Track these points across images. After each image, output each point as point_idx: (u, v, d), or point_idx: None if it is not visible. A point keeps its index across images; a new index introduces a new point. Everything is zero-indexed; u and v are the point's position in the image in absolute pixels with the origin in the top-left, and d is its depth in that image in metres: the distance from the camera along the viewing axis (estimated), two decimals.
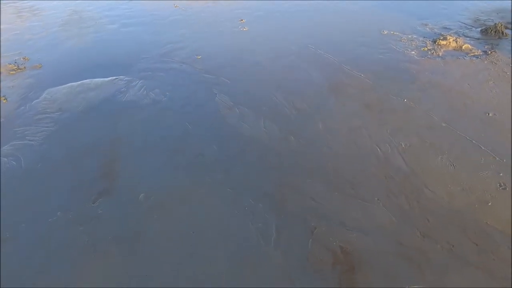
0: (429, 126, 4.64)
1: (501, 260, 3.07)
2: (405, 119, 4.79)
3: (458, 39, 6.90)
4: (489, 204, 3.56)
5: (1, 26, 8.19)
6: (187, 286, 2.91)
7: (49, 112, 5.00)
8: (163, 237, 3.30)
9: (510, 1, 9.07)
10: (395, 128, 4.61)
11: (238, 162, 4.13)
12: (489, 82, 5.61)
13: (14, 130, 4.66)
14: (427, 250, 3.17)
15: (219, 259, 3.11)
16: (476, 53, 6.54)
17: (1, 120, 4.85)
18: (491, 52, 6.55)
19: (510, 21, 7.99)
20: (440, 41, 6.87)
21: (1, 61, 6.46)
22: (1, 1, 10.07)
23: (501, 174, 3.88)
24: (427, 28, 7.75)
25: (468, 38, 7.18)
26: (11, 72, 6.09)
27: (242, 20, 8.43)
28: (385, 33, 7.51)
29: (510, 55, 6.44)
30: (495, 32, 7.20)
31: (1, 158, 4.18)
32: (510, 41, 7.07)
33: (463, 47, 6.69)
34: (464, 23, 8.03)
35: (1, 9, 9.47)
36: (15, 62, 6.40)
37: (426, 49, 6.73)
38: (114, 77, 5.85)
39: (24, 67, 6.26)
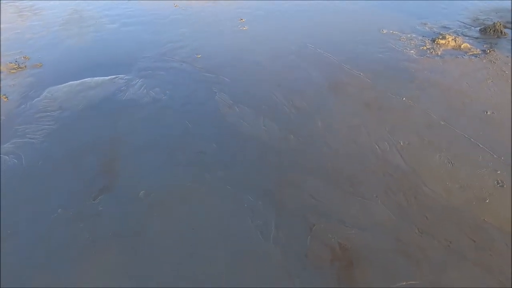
0: (428, 124, 4.67)
1: (498, 256, 3.10)
2: (404, 117, 4.82)
3: (457, 38, 6.92)
4: (487, 201, 3.59)
5: (2, 25, 8.21)
6: (187, 286, 2.94)
7: (50, 111, 5.02)
8: (163, 234, 3.32)
9: (510, 1, 9.09)
10: (394, 126, 4.63)
11: (238, 160, 4.15)
12: (487, 81, 5.63)
13: (15, 128, 4.68)
14: (425, 246, 3.19)
15: (219, 256, 3.13)
16: (475, 52, 6.56)
17: (2, 118, 4.87)
18: (489, 51, 6.57)
19: (509, 20, 8.01)
20: (439, 40, 6.89)
21: (2, 60, 6.49)
22: (2, 1, 10.09)
23: (499, 172, 3.91)
24: (426, 28, 7.77)
25: (467, 37, 7.20)
26: (12, 71, 6.12)
27: (242, 19, 8.46)
28: (384, 32, 7.54)
29: (508, 54, 6.47)
30: (494, 31, 7.23)
31: (2, 156, 4.21)
32: (509, 40, 7.10)
33: (462, 46, 6.72)
34: (463, 23, 8.06)
35: (2, 9, 9.49)
36: (16, 61, 6.43)
37: (425, 48, 6.76)
38: (114, 76, 5.88)
39: (25, 66, 6.28)
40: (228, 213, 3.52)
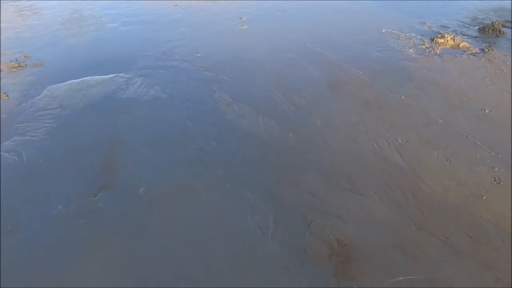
0: (426, 122, 4.70)
1: (494, 252, 3.13)
2: (402, 115, 4.85)
3: (455, 37, 6.95)
4: (484, 198, 3.62)
5: (2, 25, 8.24)
6: (186, 280, 2.96)
7: (50, 109, 5.05)
8: (162, 231, 3.35)
9: (509, 0, 9.12)
10: (392, 124, 4.66)
11: (237, 158, 4.18)
12: (486, 80, 5.67)
13: (16, 126, 4.71)
14: (422, 242, 3.22)
15: (218, 251, 3.16)
16: (473, 51, 6.59)
17: (3, 116, 4.90)
18: (488, 50, 6.60)
19: (507, 19, 8.04)
20: (437, 39, 6.92)
21: (2, 59, 6.52)
22: (2, 0, 10.12)
23: (496, 169, 3.94)
24: (425, 27, 7.80)
25: (465, 36, 7.23)
26: (12, 70, 6.15)
27: (241, 18, 8.49)
28: (384, 31, 7.57)
29: (507, 53, 6.50)
30: (493, 30, 7.26)
31: (2, 153, 4.24)
32: (507, 39, 7.13)
33: (461, 45, 6.75)
34: (462, 22, 8.09)
35: (2, 8, 9.52)
36: (16, 60, 6.46)
37: (424, 47, 6.79)
38: (114, 75, 5.91)
39: (25, 65, 6.31)
40: (227, 209, 3.55)
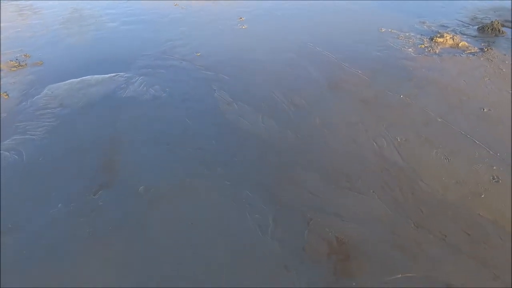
0: (425, 121, 4.71)
1: (492, 249, 3.15)
2: (401, 114, 4.86)
3: (455, 36, 6.97)
4: (482, 196, 3.64)
5: (2, 24, 8.25)
6: (185, 278, 2.98)
7: (50, 108, 5.06)
8: (162, 229, 3.36)
9: (509, 0, 9.14)
10: (391, 123, 4.68)
11: (237, 156, 4.19)
12: (485, 79, 5.68)
13: (16, 125, 4.72)
14: (421, 240, 3.23)
15: (217, 250, 3.17)
16: (472, 51, 6.61)
17: (3, 115, 4.92)
18: (487, 50, 6.62)
19: (507, 19, 8.06)
20: (437, 38, 6.94)
21: (3, 58, 6.53)
22: (2, 0, 10.13)
23: (495, 167, 3.96)
24: (425, 26, 7.82)
25: (465, 36, 7.25)
26: (13, 69, 6.16)
27: (241, 18, 8.50)
28: (383, 31, 7.58)
29: (506, 52, 6.51)
30: (492, 30, 7.28)
31: (3, 152, 4.25)
32: (507, 39, 7.15)
33: (460, 44, 6.76)
34: (462, 21, 8.11)
35: (2, 8, 9.53)
36: (17, 59, 6.47)
37: (423, 46, 6.80)
38: (114, 74, 5.92)
39: (25, 64, 6.33)
40: (226, 208, 3.56)
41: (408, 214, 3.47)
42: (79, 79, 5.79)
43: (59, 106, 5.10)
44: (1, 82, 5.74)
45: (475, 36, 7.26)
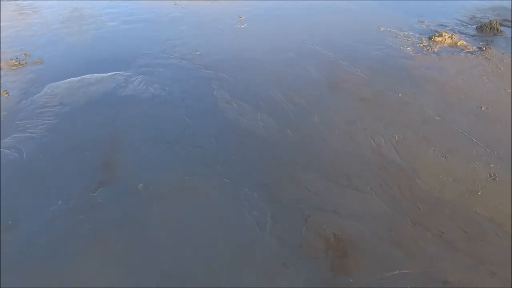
0: (423, 119, 4.74)
1: (489, 246, 3.17)
2: (399, 113, 4.89)
3: (453, 35, 6.99)
4: (479, 193, 3.66)
5: (2, 23, 8.27)
6: (183, 275, 3.00)
7: (50, 106, 5.09)
8: (161, 226, 3.38)
9: (509, 0, 9.16)
10: (389, 121, 4.70)
11: (236, 154, 4.21)
12: (483, 78, 5.70)
13: (16, 123, 4.75)
14: (418, 237, 3.26)
15: (215, 246, 3.20)
16: (471, 50, 6.63)
17: (3, 113, 4.94)
18: (485, 49, 6.64)
19: (506, 18, 8.08)
20: (435, 37, 6.96)
21: (3, 57, 6.56)
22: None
23: (492, 165, 3.98)
24: (424, 25, 7.85)
25: (463, 35, 7.27)
26: (13, 68, 6.19)
27: (240, 17, 8.52)
28: (382, 30, 7.61)
29: (504, 51, 6.53)
30: (490, 29, 7.30)
31: (3, 150, 4.27)
32: (505, 38, 7.17)
33: (458, 43, 6.79)
34: (460, 21, 8.13)
35: (2, 7, 9.56)
36: (17, 58, 6.50)
37: (421, 45, 6.83)
38: (114, 73, 5.95)
39: (26, 63, 6.35)
40: (225, 205, 3.59)
41: (405, 212, 3.49)
42: (79, 77, 5.81)
43: (59, 105, 5.13)
44: (2, 81, 5.76)
45: (473, 35, 7.28)
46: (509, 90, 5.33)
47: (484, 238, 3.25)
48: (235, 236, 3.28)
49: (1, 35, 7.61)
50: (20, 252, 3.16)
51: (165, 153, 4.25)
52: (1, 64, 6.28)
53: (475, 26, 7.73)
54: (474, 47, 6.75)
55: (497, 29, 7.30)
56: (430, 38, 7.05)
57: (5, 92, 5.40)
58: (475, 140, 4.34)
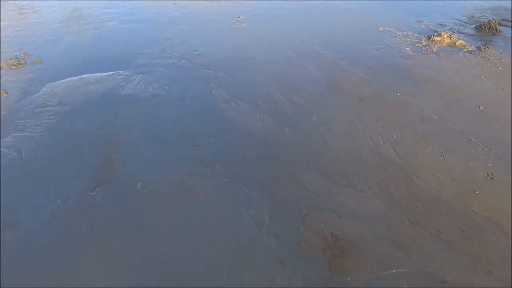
0: (421, 119, 4.74)
1: (486, 246, 3.18)
2: (398, 112, 4.89)
3: (452, 35, 7.00)
4: (477, 192, 3.67)
5: (2, 23, 8.28)
6: (180, 274, 3.01)
7: (49, 106, 5.09)
8: (160, 225, 3.39)
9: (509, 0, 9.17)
10: (388, 121, 4.71)
11: (234, 153, 4.22)
12: (481, 77, 5.71)
13: (15, 122, 4.75)
14: (416, 236, 3.27)
15: (214, 245, 3.20)
16: (469, 49, 6.64)
17: (3, 113, 4.95)
18: (484, 48, 6.65)
19: (504, 18, 8.08)
20: (434, 37, 6.97)
21: (2, 57, 6.56)
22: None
23: (490, 164, 3.99)
24: (423, 25, 7.85)
25: (462, 35, 7.28)
26: (12, 67, 6.19)
27: (240, 17, 8.53)
28: (381, 30, 7.61)
29: (502, 51, 6.54)
30: (489, 28, 7.31)
31: (2, 149, 4.28)
32: (503, 38, 7.18)
33: (457, 43, 6.79)
34: (459, 20, 8.14)
35: (2, 6, 9.56)
36: (16, 58, 6.50)
37: (420, 45, 6.83)
38: (113, 72, 5.95)
39: (25, 62, 6.36)
40: (223, 204, 3.59)
41: (403, 211, 3.50)
42: (78, 77, 5.82)
43: (58, 104, 5.13)
44: (1, 80, 5.77)
45: (472, 35, 7.29)
46: (508, 90, 5.34)
47: (482, 237, 3.26)
48: (233, 236, 3.29)
49: (1, 34, 7.62)
50: (19, 252, 3.17)
51: (164, 153, 4.26)
52: (1, 64, 6.29)
53: (474, 25, 7.74)
54: (473, 46, 6.76)
55: (496, 29, 7.31)
56: (429, 37, 7.06)
57: (5, 92, 5.41)
58: (473, 140, 4.34)
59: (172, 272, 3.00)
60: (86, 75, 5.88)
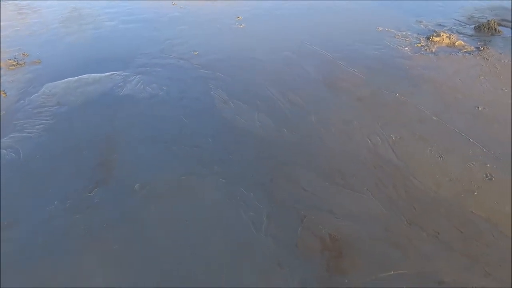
0: (420, 119, 4.74)
1: (484, 247, 3.17)
2: (396, 112, 4.89)
3: (451, 35, 6.99)
4: (475, 193, 3.66)
5: (2, 23, 8.28)
6: (177, 275, 3.01)
7: (48, 106, 5.09)
8: (158, 225, 3.39)
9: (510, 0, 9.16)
10: (386, 121, 4.71)
11: (233, 154, 4.22)
12: (480, 77, 5.71)
13: (14, 123, 4.75)
14: (414, 237, 3.26)
15: (211, 245, 3.20)
16: (468, 49, 6.63)
17: (1, 113, 4.94)
18: (483, 48, 6.64)
19: (504, 18, 8.08)
20: (433, 37, 6.97)
21: (1, 57, 6.56)
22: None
23: (488, 165, 3.98)
24: (422, 25, 7.85)
25: (461, 35, 7.28)
26: (11, 68, 6.19)
27: (239, 17, 8.53)
28: (380, 30, 7.61)
29: (501, 51, 6.53)
30: (488, 29, 7.30)
31: (0, 149, 4.28)
32: (503, 38, 7.17)
33: (456, 43, 6.79)
34: (458, 20, 8.13)
35: (2, 6, 9.56)
36: (15, 58, 6.50)
37: (419, 45, 6.83)
38: (112, 72, 5.95)
39: (24, 63, 6.36)
40: (222, 205, 3.59)
41: (401, 212, 3.50)
42: (76, 77, 5.82)
43: (57, 105, 5.13)
44: (0, 81, 5.76)
45: (471, 35, 7.29)
46: (507, 90, 5.34)
47: (480, 238, 3.26)
48: (231, 237, 3.28)
49: (0, 34, 7.61)
50: (18, 252, 3.17)
51: (162, 153, 4.26)
52: (0, 64, 6.28)
53: (473, 26, 7.73)
54: (472, 47, 6.75)
55: (495, 29, 7.31)
56: (428, 38, 7.05)
57: (3, 92, 5.41)
58: (471, 140, 4.34)
59: (171, 272, 3.00)
60: (85, 75, 5.88)
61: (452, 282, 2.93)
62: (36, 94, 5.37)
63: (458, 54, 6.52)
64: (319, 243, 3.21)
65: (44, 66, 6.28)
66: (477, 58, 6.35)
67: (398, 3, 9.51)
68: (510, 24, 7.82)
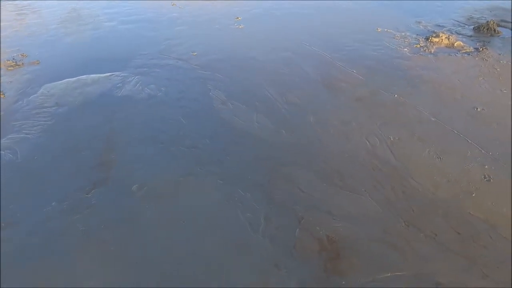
0: (418, 120, 4.74)
1: (482, 248, 3.17)
2: (395, 113, 4.89)
3: (450, 36, 6.99)
4: (473, 195, 3.66)
5: (1, 24, 8.27)
6: (174, 276, 3.01)
7: (46, 107, 5.09)
8: (154, 227, 3.39)
9: (507, 0, 9.16)
10: (385, 122, 4.71)
11: (230, 155, 4.22)
12: (479, 78, 5.71)
13: (12, 124, 4.74)
14: (411, 238, 3.26)
15: (208, 248, 3.20)
16: (467, 50, 6.64)
17: (0, 114, 4.94)
18: (482, 49, 6.65)
19: (503, 19, 8.08)
20: (432, 38, 6.97)
21: (0, 58, 6.55)
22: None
23: (486, 166, 3.98)
24: (421, 26, 7.85)
25: (460, 36, 7.28)
26: (9, 68, 6.19)
27: (238, 18, 8.53)
28: (379, 31, 7.61)
29: (500, 52, 6.54)
30: (487, 29, 7.31)
31: None
32: (502, 39, 7.17)
33: (455, 44, 6.79)
34: (458, 21, 8.13)
35: (2, 7, 9.55)
36: (14, 59, 6.49)
37: (418, 46, 6.83)
38: (110, 73, 5.95)
39: (22, 63, 6.35)
40: (219, 206, 3.59)
41: (399, 213, 3.50)
42: (75, 78, 5.81)
43: (55, 105, 5.13)
44: None
45: (470, 36, 7.29)
46: (505, 91, 5.34)
47: (478, 239, 3.25)
48: (228, 238, 3.28)
49: (0, 35, 7.61)
50: (17, 253, 3.16)
51: (160, 154, 4.25)
52: None
53: (472, 26, 7.74)
54: (471, 47, 6.75)
55: (494, 30, 7.31)
56: (427, 38, 7.05)
57: (2, 93, 5.40)
58: (470, 141, 4.34)
59: (169, 272, 2.99)
60: (84, 76, 5.88)
61: (450, 283, 2.92)
62: (35, 95, 5.37)
63: (457, 54, 6.52)
64: (317, 244, 3.21)
65: (43, 66, 6.28)
66: (476, 59, 6.35)
67: (397, 3, 9.51)
68: (509, 24, 7.82)
